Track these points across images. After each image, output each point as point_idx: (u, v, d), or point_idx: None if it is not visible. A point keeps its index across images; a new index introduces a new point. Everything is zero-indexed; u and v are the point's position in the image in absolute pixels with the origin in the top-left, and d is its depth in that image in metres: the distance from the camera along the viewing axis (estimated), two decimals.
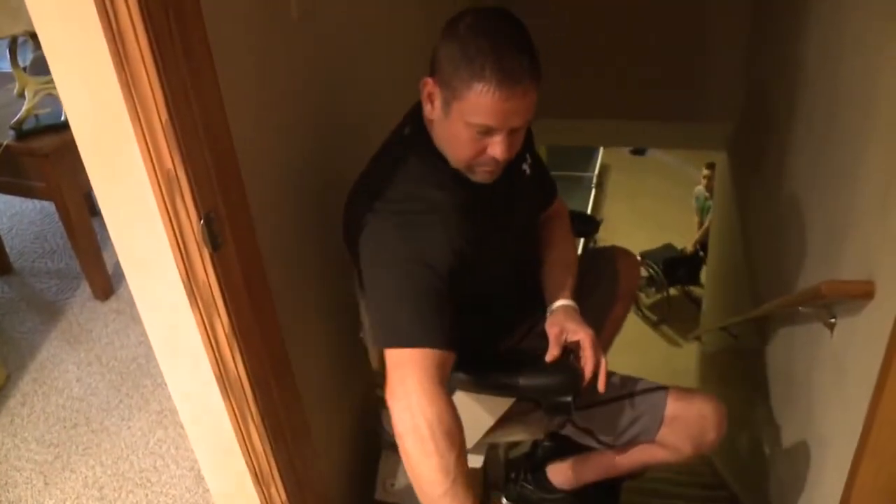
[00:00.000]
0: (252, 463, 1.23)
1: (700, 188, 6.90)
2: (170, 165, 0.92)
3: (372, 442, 1.65)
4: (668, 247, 7.07)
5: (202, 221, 0.97)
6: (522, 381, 1.33)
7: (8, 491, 1.78)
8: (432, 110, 1.16)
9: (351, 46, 1.59)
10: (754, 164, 3.07)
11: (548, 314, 1.34)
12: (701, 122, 3.84)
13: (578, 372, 1.25)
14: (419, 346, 1.08)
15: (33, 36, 2.21)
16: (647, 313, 6.96)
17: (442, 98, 1.12)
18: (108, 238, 1.03)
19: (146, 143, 0.91)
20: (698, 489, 3.09)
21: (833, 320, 1.58)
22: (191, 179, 0.94)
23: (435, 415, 1.03)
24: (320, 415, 1.51)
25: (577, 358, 1.26)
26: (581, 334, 1.25)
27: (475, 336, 1.40)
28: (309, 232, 1.43)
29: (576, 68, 3.33)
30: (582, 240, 5.40)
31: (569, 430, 1.51)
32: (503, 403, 1.42)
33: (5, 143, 2.15)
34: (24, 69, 2.32)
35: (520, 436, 1.60)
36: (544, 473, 1.69)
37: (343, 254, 1.30)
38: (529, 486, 1.71)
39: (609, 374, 1.29)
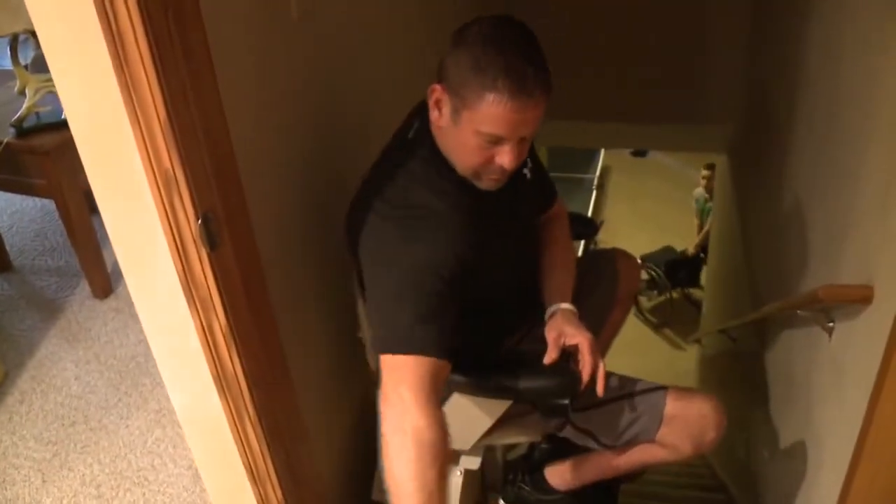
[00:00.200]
0: (248, 462, 1.23)
1: (700, 190, 6.90)
2: (168, 165, 0.92)
3: (370, 442, 1.65)
4: (668, 249, 7.06)
5: (200, 221, 0.97)
6: (520, 383, 1.33)
7: (6, 489, 1.78)
8: (440, 117, 1.16)
9: (351, 46, 1.59)
10: (754, 165, 3.07)
11: (546, 317, 1.34)
12: (701, 123, 3.85)
13: (576, 375, 1.25)
14: (417, 353, 1.07)
15: (34, 34, 2.20)
16: (649, 316, 6.95)
17: (451, 106, 1.12)
18: (107, 236, 1.03)
19: (145, 143, 0.91)
20: (697, 491, 3.09)
21: (831, 324, 1.58)
22: (189, 179, 0.94)
23: (424, 426, 1.02)
24: (318, 415, 1.51)
25: (576, 361, 1.26)
26: (579, 338, 1.25)
27: (474, 339, 1.40)
28: (308, 232, 1.43)
29: (577, 69, 3.32)
30: (582, 242, 5.41)
31: (568, 432, 1.51)
32: (500, 406, 1.42)
33: (6, 140, 2.16)
34: (26, 67, 2.32)
35: (517, 438, 1.60)
36: (542, 475, 1.69)
37: (342, 254, 1.31)
38: (527, 488, 1.71)
39: (608, 375, 1.29)
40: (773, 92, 2.73)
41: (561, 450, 1.66)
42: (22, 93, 2.31)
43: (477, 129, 1.10)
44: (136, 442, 1.92)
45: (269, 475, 1.25)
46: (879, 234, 1.40)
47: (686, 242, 7.10)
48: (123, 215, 1.02)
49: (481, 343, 1.42)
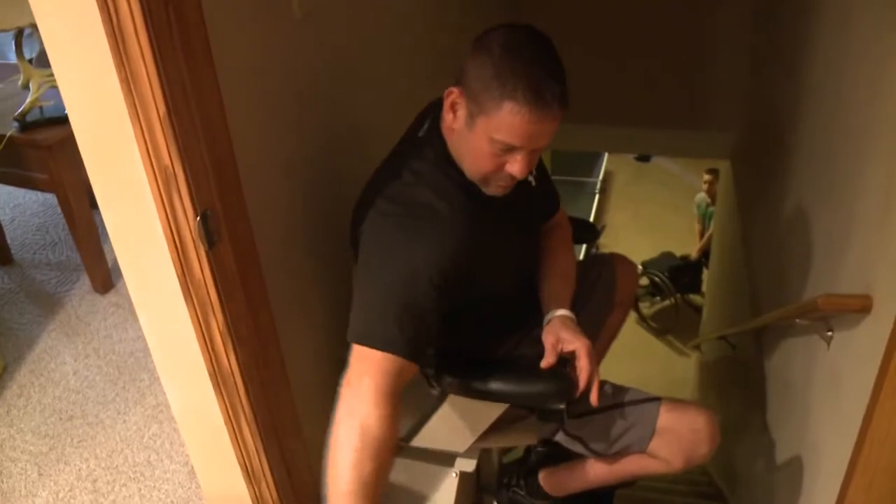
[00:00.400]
0: (243, 460, 1.23)
1: (702, 195, 6.88)
2: (167, 162, 0.93)
3: None
4: (668, 255, 7.05)
5: (199, 219, 0.98)
6: (516, 387, 1.33)
7: (2, 481, 1.79)
8: (454, 120, 1.17)
9: (353, 46, 1.59)
10: (757, 173, 3.07)
11: (544, 324, 1.34)
12: (705, 130, 3.85)
13: (572, 381, 1.25)
14: (387, 350, 1.08)
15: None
16: (651, 323, 6.93)
17: (467, 110, 1.13)
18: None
19: (144, 140, 0.92)
20: (694, 498, 3.09)
21: (830, 333, 1.58)
22: (188, 176, 0.94)
23: (375, 419, 1.04)
24: (314, 413, 1.51)
25: (573, 368, 1.26)
26: (577, 344, 1.25)
27: (471, 342, 1.40)
28: (308, 231, 1.43)
29: (582, 74, 3.33)
30: (584, 246, 5.40)
31: (560, 437, 1.51)
32: (497, 409, 1.42)
33: (9, 134, 2.16)
34: (31, 61, 2.33)
35: (513, 441, 1.60)
36: (536, 480, 1.69)
37: (342, 252, 1.31)
38: (521, 492, 1.71)
39: (602, 384, 1.29)
40: (776, 100, 2.73)
41: (557, 455, 1.66)
42: (26, 87, 2.31)
43: (492, 137, 1.10)
44: (132, 437, 1.92)
45: (263, 473, 1.25)
46: (879, 245, 1.40)
47: (686, 248, 7.08)
48: (122, 211, 1.02)
49: (478, 346, 1.42)
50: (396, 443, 1.07)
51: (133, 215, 1.00)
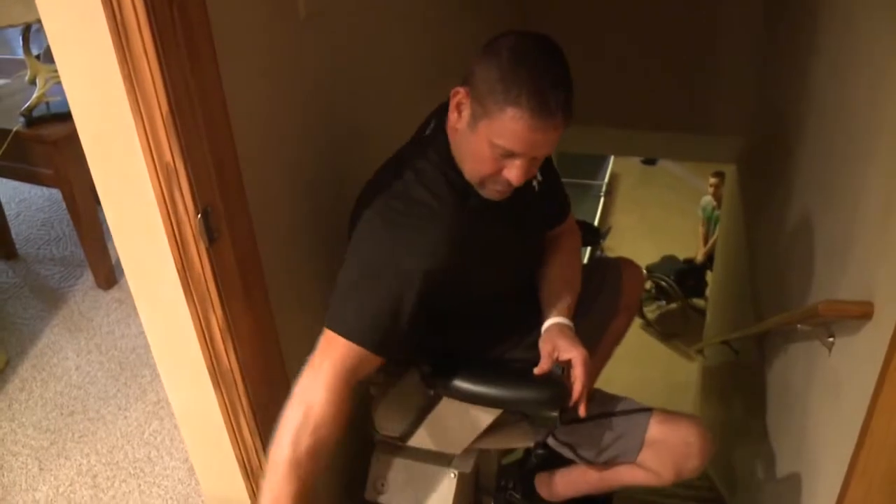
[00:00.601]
0: (241, 456, 1.24)
1: (708, 198, 6.86)
2: (169, 158, 0.93)
3: (363, 441, 1.66)
4: (671, 258, 7.03)
5: (199, 215, 0.98)
6: (510, 393, 1.33)
7: (3, 475, 1.80)
8: (458, 119, 1.17)
9: (358, 46, 1.60)
10: (762, 177, 3.06)
11: (542, 330, 1.32)
12: (712, 134, 3.84)
13: (566, 388, 1.25)
14: (352, 340, 1.10)
15: None
16: (655, 326, 6.92)
17: (471, 112, 1.13)
18: None
19: (146, 136, 0.92)
20: (694, 502, 3.08)
21: (831, 339, 1.57)
22: (189, 173, 0.95)
23: (322, 402, 1.06)
24: None
25: (568, 375, 1.25)
26: (573, 353, 1.24)
27: (466, 342, 1.40)
28: (308, 229, 1.44)
29: (588, 76, 3.33)
30: (588, 249, 5.40)
31: (551, 442, 1.51)
32: (493, 411, 1.41)
33: (15, 129, 2.17)
34: (38, 57, 2.34)
35: (509, 444, 1.59)
36: (532, 484, 1.69)
37: (342, 252, 1.31)
38: (517, 496, 1.70)
39: (594, 392, 1.28)
40: (781, 104, 2.72)
41: (556, 459, 1.65)
42: (33, 82, 2.32)
43: (492, 141, 1.10)
44: (133, 433, 1.92)
45: (262, 470, 1.26)
46: (880, 251, 1.39)
47: (690, 252, 7.07)
48: (124, 207, 1.03)
49: (472, 346, 1.41)
50: (341, 428, 1.08)
51: (134, 211, 1.01)
